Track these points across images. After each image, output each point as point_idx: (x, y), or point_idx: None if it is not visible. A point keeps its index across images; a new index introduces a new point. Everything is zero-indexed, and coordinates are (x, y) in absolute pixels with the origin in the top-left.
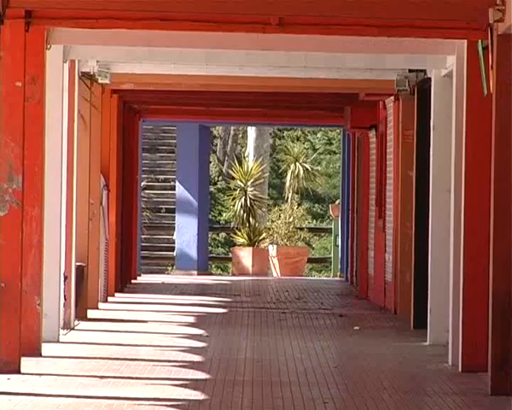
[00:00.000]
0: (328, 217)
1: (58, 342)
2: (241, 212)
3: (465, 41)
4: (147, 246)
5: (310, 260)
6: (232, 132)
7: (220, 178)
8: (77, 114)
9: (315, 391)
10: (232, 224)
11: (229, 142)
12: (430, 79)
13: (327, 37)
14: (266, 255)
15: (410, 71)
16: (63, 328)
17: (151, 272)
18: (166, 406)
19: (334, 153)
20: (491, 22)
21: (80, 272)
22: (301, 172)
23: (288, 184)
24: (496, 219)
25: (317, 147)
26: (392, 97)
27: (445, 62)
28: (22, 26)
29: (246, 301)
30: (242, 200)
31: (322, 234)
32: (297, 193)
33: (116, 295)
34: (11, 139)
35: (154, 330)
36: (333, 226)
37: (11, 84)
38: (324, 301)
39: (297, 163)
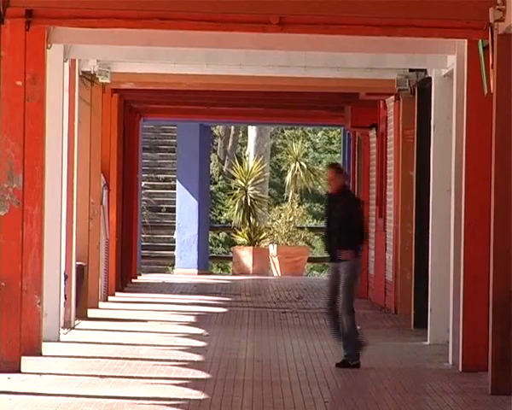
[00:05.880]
0: None
1: (58, 341)
2: (242, 211)
3: (465, 40)
4: (147, 245)
5: (310, 260)
6: (232, 132)
7: (221, 177)
8: (77, 113)
9: (315, 391)
10: (233, 223)
11: (230, 141)
12: (430, 78)
13: (327, 36)
14: (267, 255)
15: (411, 70)
16: (63, 327)
17: (151, 272)
18: (167, 405)
19: (335, 152)
20: (491, 22)
21: (80, 271)
22: (301, 171)
23: (288, 183)
24: (496, 219)
25: (318, 146)
26: (393, 97)
27: (446, 62)
28: (23, 25)
29: (246, 300)
30: (243, 199)
31: (323, 233)
32: (296, 192)
33: (116, 294)
34: (12, 138)
35: (154, 330)
36: None
37: (12, 83)
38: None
39: (297, 162)
